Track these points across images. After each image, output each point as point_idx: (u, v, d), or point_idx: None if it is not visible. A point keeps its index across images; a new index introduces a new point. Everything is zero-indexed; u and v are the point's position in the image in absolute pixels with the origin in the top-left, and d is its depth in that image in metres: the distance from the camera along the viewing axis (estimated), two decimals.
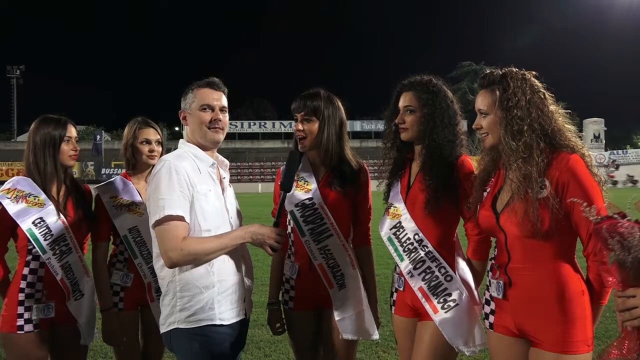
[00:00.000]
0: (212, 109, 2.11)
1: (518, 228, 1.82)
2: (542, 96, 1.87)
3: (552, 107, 1.88)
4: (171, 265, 1.95)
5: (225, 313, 2.02)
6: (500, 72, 1.90)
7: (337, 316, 2.34)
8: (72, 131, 2.51)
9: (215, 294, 1.99)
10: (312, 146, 2.38)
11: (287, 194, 2.38)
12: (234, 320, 2.05)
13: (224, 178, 2.22)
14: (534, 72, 1.92)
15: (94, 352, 4.14)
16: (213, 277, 1.99)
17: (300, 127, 2.36)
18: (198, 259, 1.95)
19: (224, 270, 2.03)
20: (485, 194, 2.03)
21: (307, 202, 2.38)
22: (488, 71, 1.95)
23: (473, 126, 2.00)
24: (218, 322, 2.00)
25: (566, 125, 1.88)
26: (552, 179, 1.78)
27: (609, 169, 41.76)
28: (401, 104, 2.26)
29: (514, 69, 1.90)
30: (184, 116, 2.15)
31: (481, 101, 1.94)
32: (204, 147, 2.15)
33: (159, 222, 1.92)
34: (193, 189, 1.99)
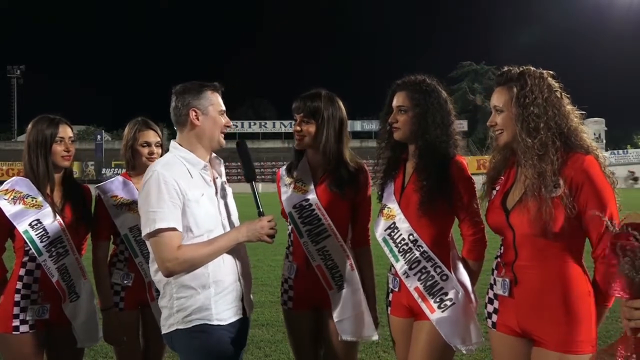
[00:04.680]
0: (225, 114, 2.15)
1: (529, 226, 1.82)
2: (559, 95, 1.87)
3: (569, 107, 1.89)
4: (168, 275, 1.96)
5: (223, 313, 2.02)
6: (518, 70, 1.90)
7: (336, 317, 2.33)
8: (66, 131, 2.48)
9: (212, 294, 2.00)
10: (309, 145, 2.39)
11: (287, 195, 2.40)
12: (231, 320, 2.06)
13: (217, 178, 2.19)
14: (551, 72, 1.92)
15: (95, 352, 4.14)
16: (208, 278, 2.00)
17: (298, 127, 2.37)
18: (195, 265, 1.96)
19: (219, 271, 2.03)
20: (494, 192, 2.03)
21: (304, 203, 2.38)
22: (505, 69, 1.94)
23: (488, 123, 1.99)
24: (215, 322, 2.00)
25: (581, 126, 1.88)
26: (566, 178, 1.78)
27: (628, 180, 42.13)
28: (394, 103, 2.27)
29: (532, 68, 1.91)
30: (197, 115, 2.08)
31: (497, 98, 1.93)
32: (210, 149, 2.15)
33: (151, 235, 1.93)
34: (184, 196, 1.98)
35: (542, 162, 1.79)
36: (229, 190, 2.27)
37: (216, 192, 2.15)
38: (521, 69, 1.91)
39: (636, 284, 1.45)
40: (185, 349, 2.02)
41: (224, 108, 2.15)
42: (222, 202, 2.16)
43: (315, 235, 2.36)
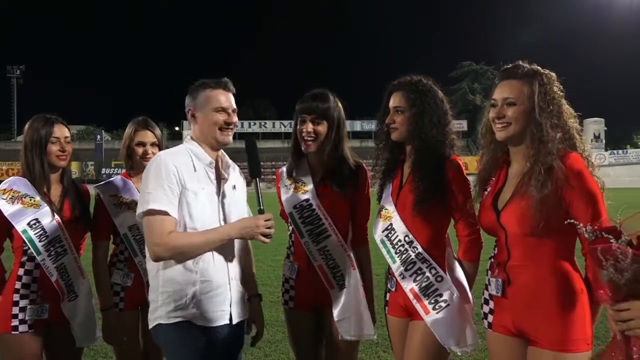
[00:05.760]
0: (225, 111, 2.12)
1: (519, 225, 1.83)
2: (562, 95, 1.90)
3: (567, 107, 1.91)
4: (156, 259, 1.95)
5: (207, 315, 2.00)
6: (531, 66, 1.91)
7: (337, 317, 2.34)
8: (61, 131, 2.48)
9: (197, 293, 1.98)
10: (320, 147, 2.37)
11: (287, 195, 2.41)
12: (216, 324, 2.02)
13: (224, 179, 2.16)
14: (553, 73, 1.93)
15: (94, 352, 4.14)
16: (195, 275, 1.98)
17: (309, 128, 2.34)
18: (184, 253, 1.95)
19: (208, 270, 2.00)
20: (485, 193, 2.03)
21: (304, 203, 2.38)
22: (516, 63, 1.93)
23: (494, 114, 1.93)
24: (199, 322, 1.99)
25: (575, 126, 1.91)
26: (552, 176, 1.78)
27: None
28: (391, 104, 2.27)
29: (540, 67, 1.93)
30: (193, 114, 2.12)
31: (511, 90, 1.89)
32: (212, 146, 2.14)
33: (144, 214, 1.94)
34: (182, 186, 1.98)
35: (539, 155, 1.81)
36: (240, 196, 2.24)
37: (218, 192, 2.12)
38: (533, 65, 1.92)
39: (622, 287, 1.46)
40: (166, 345, 2.02)
41: (223, 105, 2.11)
42: (223, 203, 2.12)
43: (316, 235, 2.36)
